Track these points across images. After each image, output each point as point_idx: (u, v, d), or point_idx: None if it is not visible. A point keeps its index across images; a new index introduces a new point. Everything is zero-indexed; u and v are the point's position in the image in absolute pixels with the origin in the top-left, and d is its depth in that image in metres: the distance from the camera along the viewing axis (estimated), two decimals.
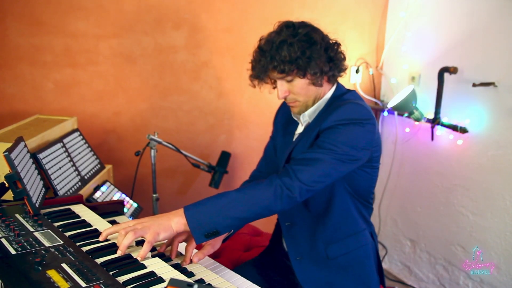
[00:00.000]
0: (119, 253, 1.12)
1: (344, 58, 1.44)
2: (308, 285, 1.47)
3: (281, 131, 1.61)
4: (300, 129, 1.52)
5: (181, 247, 1.30)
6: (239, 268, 1.59)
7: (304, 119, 1.47)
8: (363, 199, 1.51)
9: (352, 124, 1.32)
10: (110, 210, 1.58)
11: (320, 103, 1.45)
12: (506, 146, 2.12)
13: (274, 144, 1.67)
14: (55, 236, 1.19)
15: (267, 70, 1.38)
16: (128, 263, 1.11)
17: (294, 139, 1.52)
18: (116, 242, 1.17)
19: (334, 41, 1.42)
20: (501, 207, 2.18)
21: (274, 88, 1.46)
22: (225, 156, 2.41)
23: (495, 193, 2.20)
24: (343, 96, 1.44)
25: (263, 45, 1.39)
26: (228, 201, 1.22)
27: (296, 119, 1.53)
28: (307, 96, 1.42)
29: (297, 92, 1.40)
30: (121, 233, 1.15)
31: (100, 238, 1.19)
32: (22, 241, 1.14)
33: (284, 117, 1.62)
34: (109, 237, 1.21)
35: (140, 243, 1.23)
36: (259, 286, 1.26)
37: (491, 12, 2.11)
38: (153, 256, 1.17)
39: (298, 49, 1.32)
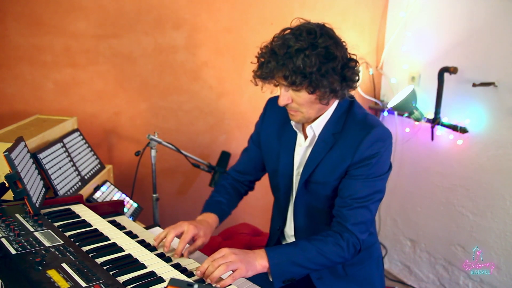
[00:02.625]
0: (209, 281, 1.13)
1: (358, 79, 1.33)
2: None
3: (275, 133, 1.53)
4: (302, 140, 1.45)
5: (175, 244, 1.32)
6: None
7: (310, 132, 1.41)
8: None
9: (383, 151, 1.34)
10: (110, 210, 1.59)
11: (325, 115, 1.39)
12: (506, 146, 2.12)
13: (259, 144, 1.61)
14: (55, 236, 1.19)
15: (274, 75, 1.27)
16: (128, 263, 1.11)
17: (305, 153, 1.44)
18: (201, 270, 1.16)
19: (353, 58, 1.30)
20: (501, 207, 2.18)
21: (276, 86, 1.35)
22: (225, 156, 2.41)
23: (495, 193, 2.20)
24: (352, 109, 1.38)
25: (277, 47, 1.24)
26: (311, 256, 1.28)
27: (296, 130, 1.45)
28: (310, 109, 1.33)
29: (301, 103, 1.30)
30: (213, 265, 1.15)
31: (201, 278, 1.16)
32: (22, 241, 1.14)
33: (280, 117, 1.52)
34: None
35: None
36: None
37: (491, 12, 2.11)
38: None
39: (315, 64, 1.20)
